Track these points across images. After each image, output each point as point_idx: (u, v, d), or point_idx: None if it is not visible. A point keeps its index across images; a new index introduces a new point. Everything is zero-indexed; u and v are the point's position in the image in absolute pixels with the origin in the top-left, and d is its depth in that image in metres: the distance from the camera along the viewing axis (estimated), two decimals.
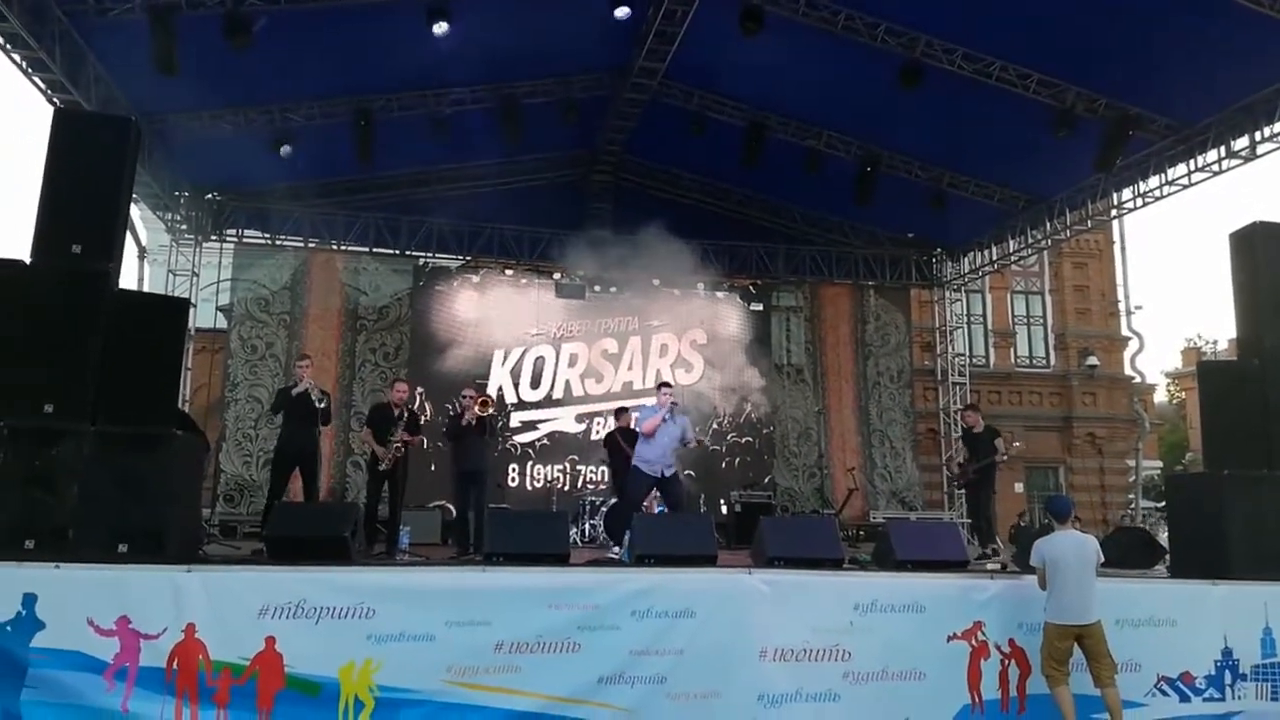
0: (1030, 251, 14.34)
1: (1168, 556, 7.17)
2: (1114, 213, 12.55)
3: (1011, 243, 13.88)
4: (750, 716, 5.28)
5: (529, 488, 12.86)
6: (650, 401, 9.00)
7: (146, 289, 13.12)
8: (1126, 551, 7.18)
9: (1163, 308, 66.36)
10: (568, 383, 13.35)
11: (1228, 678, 5.94)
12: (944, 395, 15.47)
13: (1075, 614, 5.44)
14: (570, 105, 11.45)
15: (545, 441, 13.10)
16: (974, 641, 5.68)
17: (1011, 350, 18.94)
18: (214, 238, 13.05)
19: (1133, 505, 17.93)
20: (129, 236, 6.45)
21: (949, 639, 5.64)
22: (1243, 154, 9.93)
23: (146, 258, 13.59)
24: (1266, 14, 7.95)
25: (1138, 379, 19.54)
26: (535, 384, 13.26)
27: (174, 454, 5.46)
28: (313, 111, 10.97)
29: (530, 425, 13.13)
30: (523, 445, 13.03)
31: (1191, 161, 10.50)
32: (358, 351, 13.15)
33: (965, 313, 17.34)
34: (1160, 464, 29.16)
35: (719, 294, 14.02)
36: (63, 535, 4.98)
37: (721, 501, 12.61)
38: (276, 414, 8.24)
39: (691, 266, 12.74)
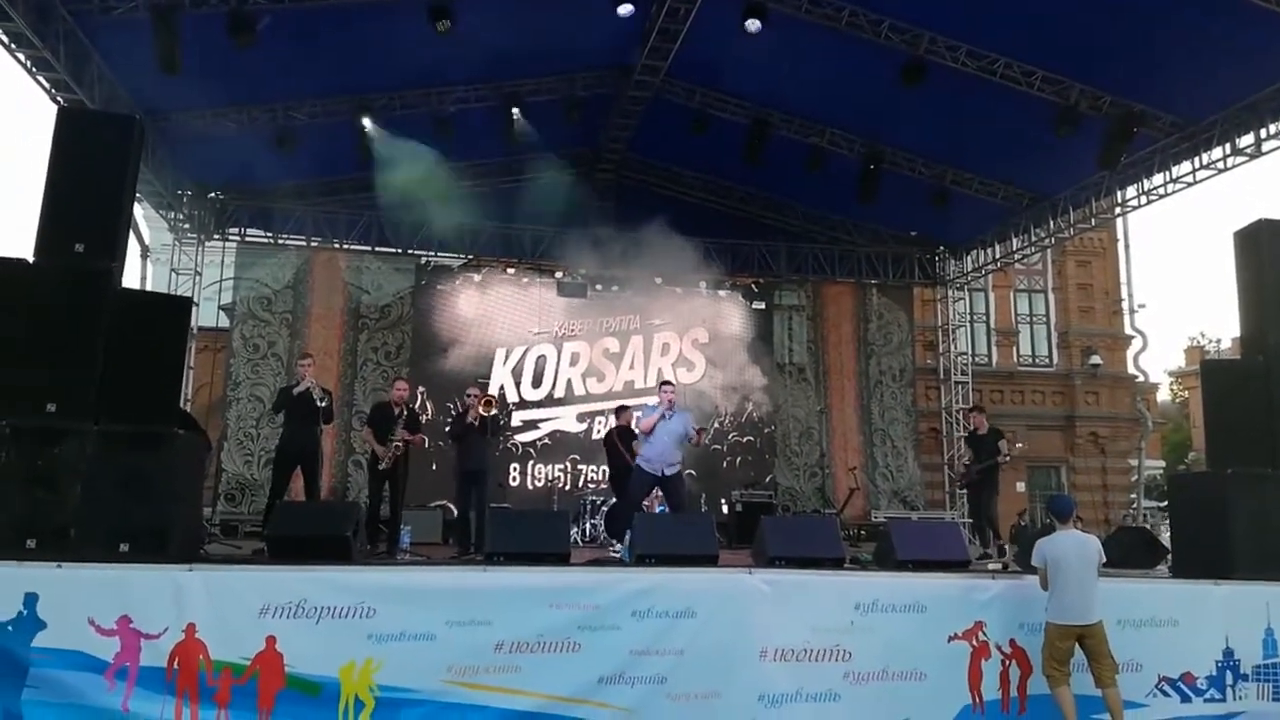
0: (1033, 250, 14.31)
1: (1170, 556, 7.16)
2: (1118, 210, 12.50)
3: (1015, 241, 13.84)
4: (751, 717, 5.28)
5: (530, 487, 12.87)
6: (653, 400, 9.00)
7: (149, 288, 13.14)
8: (1128, 551, 7.16)
9: (1166, 306, 66.33)
10: (569, 382, 13.35)
11: (1229, 678, 5.92)
12: (946, 394, 15.44)
13: (1077, 614, 5.43)
14: (573, 103, 11.45)
15: (546, 441, 13.11)
16: (975, 641, 5.67)
17: (1014, 349, 18.91)
18: (216, 236, 13.08)
19: (1135, 505, 17.89)
20: (132, 235, 6.44)
21: (950, 639, 5.63)
22: (1248, 151, 9.89)
23: (149, 256, 13.61)
24: (1273, 10, 7.92)
25: (1141, 378, 19.49)
26: (537, 383, 13.27)
27: (176, 453, 5.46)
28: (315, 110, 10.98)
29: (531, 424, 13.14)
30: (524, 444, 13.04)
31: (1196, 159, 10.45)
32: (359, 350, 13.16)
33: (968, 311, 17.34)
34: (1163, 463, 29.15)
35: (721, 292, 14.01)
36: (64, 534, 4.99)
37: (722, 501, 12.60)
38: (278, 413, 8.25)
39: (693, 265, 12.74)
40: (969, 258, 15.03)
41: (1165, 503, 15.97)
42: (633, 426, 8.69)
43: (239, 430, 12.49)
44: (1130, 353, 19.06)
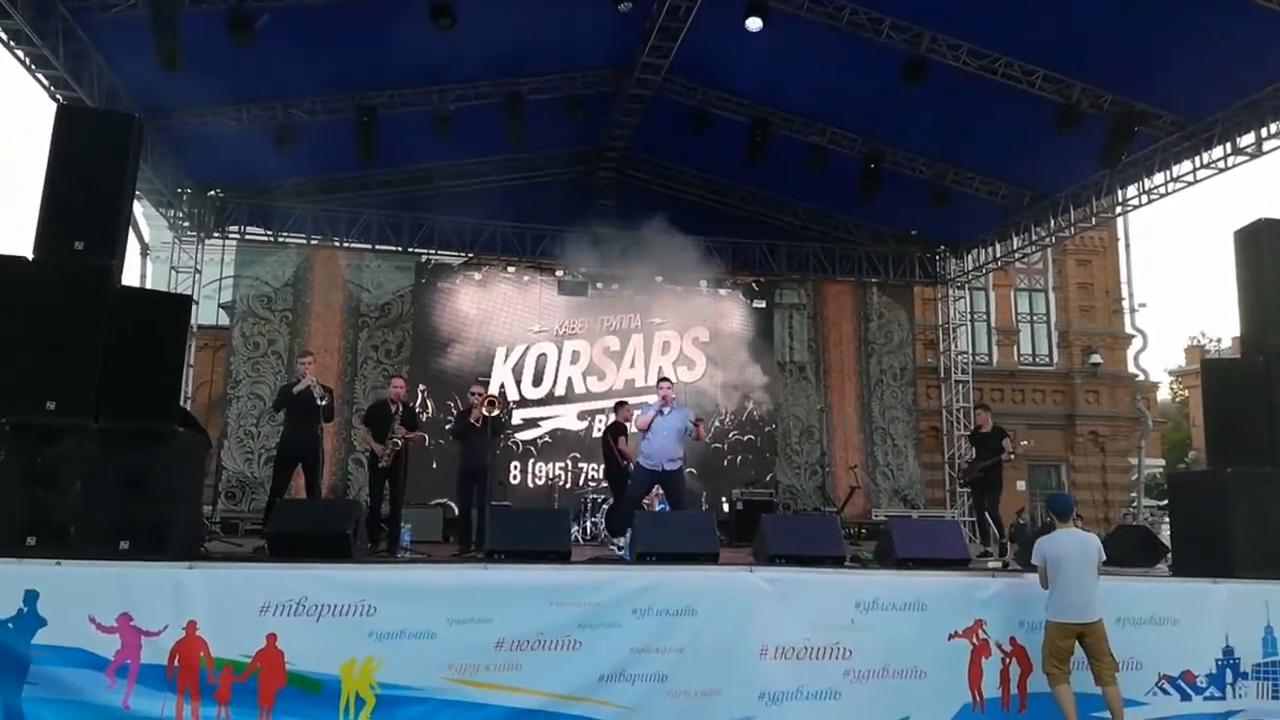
0: (1034, 248, 14.31)
1: (1169, 555, 7.16)
2: (1118, 209, 12.50)
3: (1015, 240, 13.84)
4: (751, 714, 5.28)
5: (531, 485, 12.87)
6: (653, 399, 9.01)
7: (149, 286, 13.11)
8: (1128, 550, 7.16)
9: (1167, 305, 66.26)
10: (570, 380, 13.35)
11: (1229, 676, 5.93)
12: (947, 393, 15.44)
13: (1077, 612, 5.43)
14: (574, 102, 11.44)
15: (547, 439, 13.11)
16: (975, 640, 5.67)
17: (1015, 348, 18.91)
18: (216, 234, 13.07)
19: (1135, 503, 17.90)
20: (131, 233, 6.44)
21: (950, 637, 5.63)
22: (1249, 151, 9.89)
23: (149, 254, 13.59)
24: (1273, 9, 7.92)
25: (1141, 377, 19.51)
26: (537, 381, 13.26)
27: (176, 451, 5.46)
28: (315, 107, 10.97)
29: (532, 423, 13.13)
30: (524, 443, 13.04)
31: (1197, 158, 10.46)
32: (360, 348, 13.16)
33: (968, 310, 17.34)
34: (1163, 462, 29.16)
35: (722, 291, 14.00)
36: (64, 532, 4.99)
37: (723, 499, 12.60)
38: (278, 411, 8.25)
39: (694, 263, 12.74)
40: (969, 256, 15.02)
41: (1165, 501, 15.99)
42: (630, 424, 8.68)
43: (239, 428, 12.50)
44: (1130, 352, 19.08)
